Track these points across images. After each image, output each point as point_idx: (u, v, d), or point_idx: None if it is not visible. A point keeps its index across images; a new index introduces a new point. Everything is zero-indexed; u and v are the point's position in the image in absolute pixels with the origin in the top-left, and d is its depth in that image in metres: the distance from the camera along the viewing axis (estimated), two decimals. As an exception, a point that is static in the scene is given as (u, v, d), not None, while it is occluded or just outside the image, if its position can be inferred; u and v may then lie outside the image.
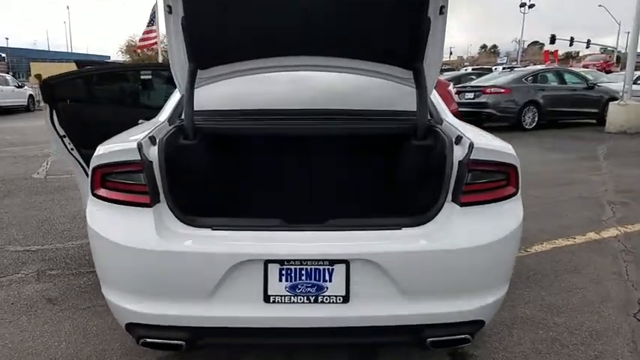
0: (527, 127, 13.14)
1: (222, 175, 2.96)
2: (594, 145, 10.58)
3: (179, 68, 2.60)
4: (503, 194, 2.26)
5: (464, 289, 2.16)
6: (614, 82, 16.83)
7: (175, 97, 3.03)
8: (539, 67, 19.51)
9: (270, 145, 3.03)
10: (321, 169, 3.09)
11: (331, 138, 2.89)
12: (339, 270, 2.07)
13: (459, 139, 2.32)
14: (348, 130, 2.85)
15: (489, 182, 2.23)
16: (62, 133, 4.05)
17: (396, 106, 2.94)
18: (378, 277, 2.07)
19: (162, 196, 2.20)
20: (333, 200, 2.91)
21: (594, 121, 14.35)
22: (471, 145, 2.17)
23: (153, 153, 2.24)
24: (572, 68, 20.38)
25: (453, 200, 2.21)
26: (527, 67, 19.37)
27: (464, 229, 2.14)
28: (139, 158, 2.15)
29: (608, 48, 56.25)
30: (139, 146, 2.16)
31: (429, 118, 2.73)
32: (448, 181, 2.21)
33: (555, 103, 13.44)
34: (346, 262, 2.07)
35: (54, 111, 3.99)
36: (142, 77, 3.99)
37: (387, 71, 2.76)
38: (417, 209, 2.28)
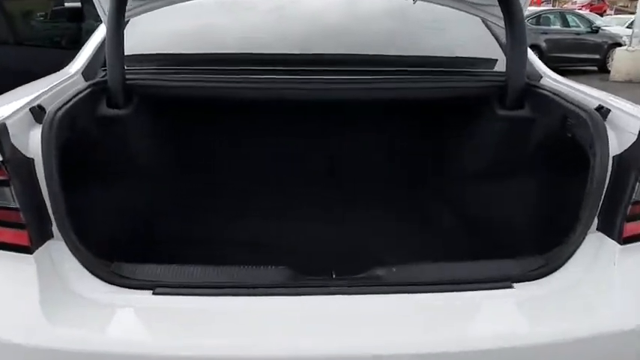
0: (527, 74, 12.11)
1: (175, 176, 1.83)
2: (604, 95, 9.62)
3: None
4: None
5: None
6: (609, 26, 15.91)
7: (99, 35, 1.83)
8: (541, 7, 18.29)
9: (264, 119, 1.88)
10: (356, 167, 1.94)
11: (371, 106, 1.76)
12: None
13: (604, 114, 1.29)
14: (397, 93, 1.68)
15: None
16: None
17: (466, 52, 1.87)
18: None
19: (55, 228, 1.14)
20: (378, 229, 1.72)
21: (595, 68, 13.47)
22: None
23: (35, 141, 1.15)
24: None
25: (603, 230, 1.21)
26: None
27: (633, 288, 1.16)
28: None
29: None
30: None
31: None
32: (597, 195, 1.19)
33: (558, 48, 12.52)
34: None
35: None
36: (66, 6, 2.78)
37: None
38: (532, 244, 1.28)
